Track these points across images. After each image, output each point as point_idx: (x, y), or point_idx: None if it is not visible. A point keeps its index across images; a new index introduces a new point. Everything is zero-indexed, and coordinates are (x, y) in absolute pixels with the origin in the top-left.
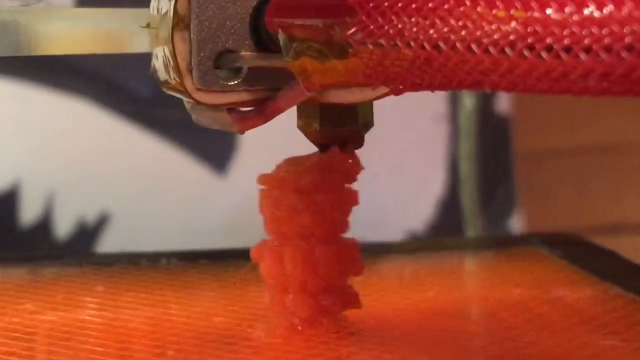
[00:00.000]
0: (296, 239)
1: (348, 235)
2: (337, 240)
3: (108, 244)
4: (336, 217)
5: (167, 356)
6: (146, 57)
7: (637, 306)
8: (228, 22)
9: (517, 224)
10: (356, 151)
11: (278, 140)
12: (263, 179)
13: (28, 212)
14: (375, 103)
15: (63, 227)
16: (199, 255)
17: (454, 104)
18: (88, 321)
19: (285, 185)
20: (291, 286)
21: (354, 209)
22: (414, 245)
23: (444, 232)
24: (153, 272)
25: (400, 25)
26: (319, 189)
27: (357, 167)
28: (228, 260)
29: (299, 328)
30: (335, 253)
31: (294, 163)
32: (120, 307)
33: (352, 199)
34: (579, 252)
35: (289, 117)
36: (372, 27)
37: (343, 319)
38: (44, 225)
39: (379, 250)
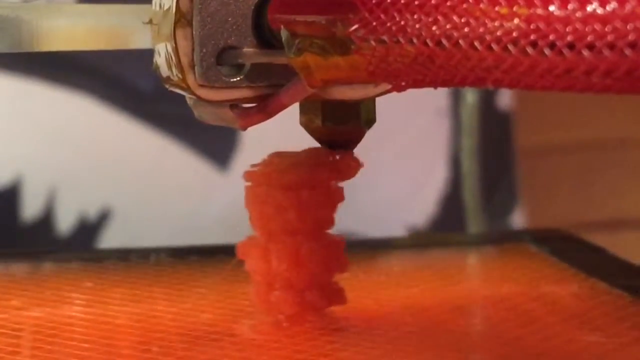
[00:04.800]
0: (282, 236)
1: (351, 230)
2: (322, 236)
3: (110, 239)
4: (322, 213)
5: (152, 352)
6: (148, 53)
7: (624, 302)
8: (230, 19)
9: (518, 219)
10: (359, 147)
11: (279, 136)
12: (249, 175)
13: (30, 208)
14: (377, 98)
15: (65, 222)
16: (189, 251)
17: (456, 100)
18: (75, 317)
19: (270, 181)
20: (277, 282)
21: (356, 204)
22: (411, 241)
23: (446, 228)
24: (142, 268)
25: (402, 22)
26: (305, 185)
27: (347, 167)
28: (218, 256)
29: (284, 324)
30: (320, 249)
31: (279, 158)
32: (108, 303)
33: (337, 195)
34: (569, 248)
35: (290, 114)
36: (374, 23)
37: (329, 315)
38: (45, 220)
39: (375, 246)
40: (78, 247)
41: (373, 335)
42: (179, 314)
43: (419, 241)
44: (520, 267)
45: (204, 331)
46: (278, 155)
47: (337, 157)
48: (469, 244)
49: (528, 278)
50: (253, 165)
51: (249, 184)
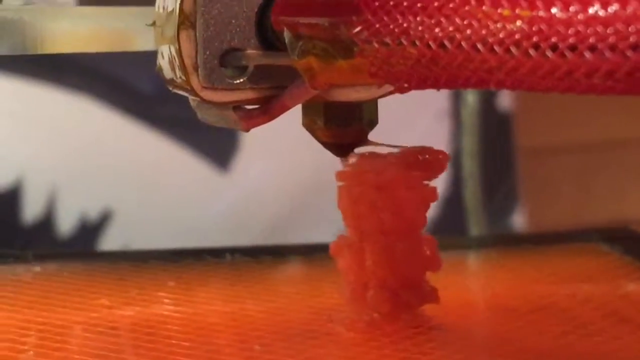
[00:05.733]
0: (376, 235)
1: None
2: (416, 236)
3: (110, 240)
4: (416, 213)
5: (253, 351)
6: (150, 55)
7: None
8: (234, 21)
9: (519, 220)
10: (359, 149)
11: (281, 137)
12: (342, 175)
13: (31, 209)
14: (378, 100)
15: (66, 224)
16: (262, 250)
17: (457, 101)
18: (167, 316)
19: (365, 181)
20: (371, 282)
21: None
22: (484, 241)
23: (447, 229)
24: (220, 268)
25: (405, 24)
26: (400, 185)
27: (437, 163)
28: (290, 256)
29: (379, 323)
30: (415, 249)
31: (372, 158)
32: (196, 302)
33: (431, 195)
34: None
35: (292, 115)
36: (377, 25)
37: (420, 314)
38: (46, 222)
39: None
40: (79, 249)
41: (468, 334)
42: (269, 312)
43: (478, 241)
44: (596, 267)
45: (299, 329)
46: (370, 156)
47: (427, 155)
48: (537, 242)
49: (607, 278)
50: (345, 166)
51: (341, 183)
